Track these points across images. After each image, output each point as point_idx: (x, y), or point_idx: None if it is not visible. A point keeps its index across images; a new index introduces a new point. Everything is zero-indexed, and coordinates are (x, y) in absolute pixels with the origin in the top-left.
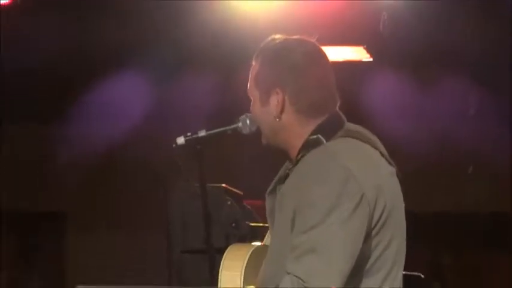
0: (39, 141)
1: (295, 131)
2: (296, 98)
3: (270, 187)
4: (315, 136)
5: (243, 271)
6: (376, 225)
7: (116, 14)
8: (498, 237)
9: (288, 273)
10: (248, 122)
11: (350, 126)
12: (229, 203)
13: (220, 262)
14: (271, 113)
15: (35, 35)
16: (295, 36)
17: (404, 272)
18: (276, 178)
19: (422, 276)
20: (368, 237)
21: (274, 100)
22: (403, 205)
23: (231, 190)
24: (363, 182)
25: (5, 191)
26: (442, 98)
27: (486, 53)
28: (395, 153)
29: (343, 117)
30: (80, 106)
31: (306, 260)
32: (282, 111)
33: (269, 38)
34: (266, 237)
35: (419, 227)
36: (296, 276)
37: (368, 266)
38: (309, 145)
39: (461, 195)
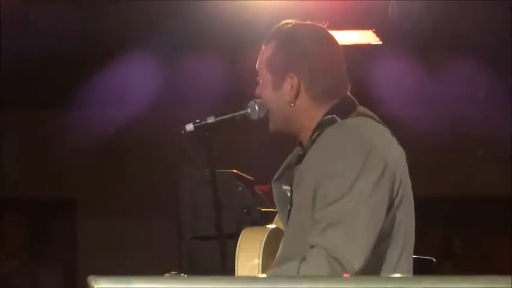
0: (47, 127)
1: (308, 114)
2: (310, 83)
3: (277, 174)
4: (329, 116)
5: (261, 252)
6: (396, 197)
7: (121, 1)
8: (508, 220)
9: (313, 246)
10: (257, 107)
11: (363, 108)
12: (240, 188)
13: (231, 248)
14: (284, 98)
15: (41, 20)
16: (306, 22)
17: (416, 256)
18: (284, 164)
19: (434, 260)
20: (390, 209)
21: (288, 85)
22: (411, 188)
23: (242, 176)
24: (384, 155)
25: (13, 178)
26: (451, 82)
27: (495, 36)
28: (405, 137)
29: (355, 100)
30: (87, 91)
31: (331, 232)
32: (296, 96)
33: (281, 23)
34: (275, 221)
35: (430, 211)
36: (323, 248)
37: (389, 238)
38: (324, 124)
39: (471, 179)
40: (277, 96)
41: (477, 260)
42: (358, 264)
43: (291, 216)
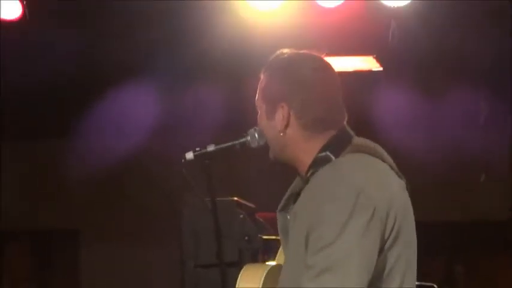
0: (48, 156)
1: (301, 146)
2: (301, 112)
3: (281, 204)
4: (323, 153)
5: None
6: (388, 238)
7: (125, 28)
8: (510, 244)
9: None
10: (257, 135)
11: (358, 140)
12: (241, 216)
13: (232, 276)
14: (276, 127)
15: (44, 50)
16: (303, 51)
17: (418, 283)
18: (287, 194)
19: (435, 286)
20: (381, 251)
21: (280, 114)
22: (413, 218)
23: (243, 203)
24: (374, 196)
25: (16, 208)
26: (452, 107)
27: (494, 62)
28: (406, 163)
29: (351, 132)
30: (89, 120)
31: (322, 279)
32: (287, 125)
33: (278, 52)
34: (279, 252)
35: (432, 237)
36: None
37: (383, 278)
38: (318, 163)
39: (474, 204)
40: (271, 126)
41: (479, 284)
42: None
43: (285, 258)
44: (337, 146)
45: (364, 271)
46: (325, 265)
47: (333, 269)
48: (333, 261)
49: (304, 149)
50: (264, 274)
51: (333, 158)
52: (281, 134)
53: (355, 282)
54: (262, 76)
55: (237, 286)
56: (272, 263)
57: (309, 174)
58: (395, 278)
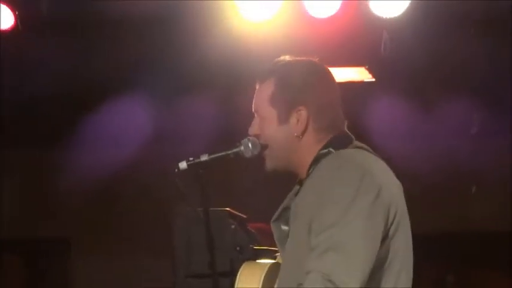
0: (41, 167)
1: (311, 148)
2: (317, 116)
3: (276, 215)
4: (325, 150)
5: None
6: (391, 226)
7: (116, 40)
8: (502, 256)
9: (309, 272)
10: (250, 145)
11: (358, 142)
12: (233, 226)
13: (224, 286)
14: (291, 131)
15: (35, 62)
16: (300, 58)
17: None
18: (282, 206)
19: None
20: (384, 238)
21: (295, 118)
22: (408, 221)
23: (235, 214)
24: (378, 178)
25: (8, 218)
26: (444, 118)
27: (487, 73)
28: (398, 173)
29: (352, 135)
30: (81, 132)
31: (328, 256)
32: (305, 129)
33: (276, 60)
34: (277, 259)
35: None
36: (320, 272)
37: (384, 267)
38: (319, 158)
39: (465, 215)
40: (283, 131)
41: None
42: (355, 286)
43: (286, 248)
44: (339, 143)
45: (368, 249)
46: (329, 244)
47: (336, 248)
48: (337, 240)
49: (312, 151)
50: (266, 270)
51: (334, 152)
52: (300, 137)
53: (359, 259)
54: (261, 84)
55: (237, 280)
56: (271, 260)
57: (310, 170)
58: (394, 269)
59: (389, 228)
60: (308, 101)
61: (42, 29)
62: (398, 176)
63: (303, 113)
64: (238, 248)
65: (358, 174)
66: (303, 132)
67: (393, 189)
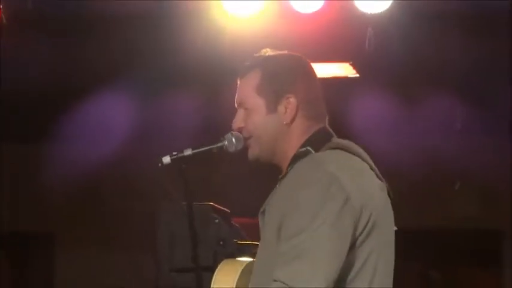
0: (25, 161)
1: (299, 138)
2: (306, 104)
3: (263, 207)
4: (304, 148)
5: (235, 285)
6: (361, 234)
7: (100, 34)
8: (486, 252)
9: (275, 281)
10: (234, 140)
11: (338, 139)
12: (216, 221)
13: (207, 280)
14: (280, 119)
15: (20, 56)
16: (283, 51)
17: None
18: (269, 198)
19: None
20: (352, 247)
21: (283, 107)
22: (392, 220)
23: (218, 208)
24: (347, 187)
25: None
26: (428, 114)
27: (471, 68)
28: (381, 170)
29: (331, 130)
30: (65, 126)
31: (292, 266)
32: (295, 116)
33: (261, 51)
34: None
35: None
36: (283, 282)
37: (352, 274)
38: (298, 157)
39: (449, 211)
40: (272, 119)
41: None
42: None
43: (258, 249)
44: (318, 141)
45: (334, 258)
46: (296, 253)
47: (302, 257)
48: (303, 249)
49: (297, 141)
50: (241, 268)
51: (313, 152)
52: (287, 126)
53: (325, 268)
54: (245, 76)
55: (213, 278)
56: (249, 258)
57: (288, 169)
58: (365, 276)
59: (362, 232)
60: (296, 89)
61: (26, 24)
62: (382, 172)
63: (292, 100)
64: (221, 243)
65: (327, 181)
66: (292, 120)
67: (368, 193)
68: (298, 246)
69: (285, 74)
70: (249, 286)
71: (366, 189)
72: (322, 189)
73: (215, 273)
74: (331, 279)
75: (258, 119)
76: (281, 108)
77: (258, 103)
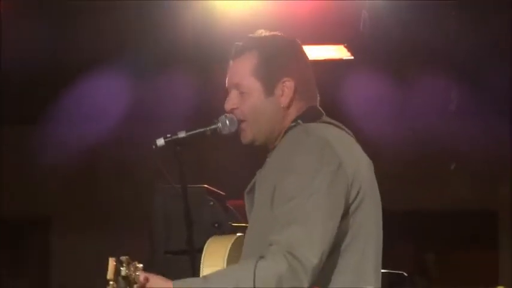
0: (21, 144)
1: (290, 119)
2: (302, 87)
3: (249, 186)
4: (294, 123)
5: (226, 258)
6: (353, 202)
7: (94, 17)
8: (480, 233)
9: (271, 245)
10: (227, 122)
11: (328, 118)
12: (211, 203)
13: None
14: (278, 102)
15: (13, 37)
16: (276, 33)
17: (387, 270)
18: (254, 178)
19: (406, 274)
20: (345, 215)
21: (280, 90)
22: (379, 200)
23: (213, 190)
24: (339, 153)
25: None
26: (422, 95)
27: (466, 50)
28: (376, 151)
29: (322, 110)
30: (60, 109)
31: (288, 229)
32: (293, 98)
33: (256, 32)
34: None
35: (402, 225)
36: (281, 245)
37: (345, 243)
38: (287, 130)
39: (444, 193)
40: (270, 102)
41: (450, 273)
42: (316, 259)
43: (251, 215)
44: (309, 117)
45: (329, 222)
46: (291, 216)
47: (297, 220)
48: (298, 213)
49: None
50: (232, 242)
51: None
52: (285, 109)
53: (320, 232)
54: (240, 57)
55: (203, 252)
56: (239, 234)
57: (277, 142)
58: (357, 245)
59: (351, 204)
60: (292, 72)
61: (20, 6)
62: (378, 154)
63: (289, 83)
64: (216, 225)
65: (320, 145)
66: (290, 103)
67: (358, 165)
68: (294, 210)
69: (282, 57)
70: (242, 256)
71: (356, 160)
72: (316, 154)
73: (205, 246)
74: (328, 242)
75: (255, 103)
76: (278, 91)
77: (254, 86)
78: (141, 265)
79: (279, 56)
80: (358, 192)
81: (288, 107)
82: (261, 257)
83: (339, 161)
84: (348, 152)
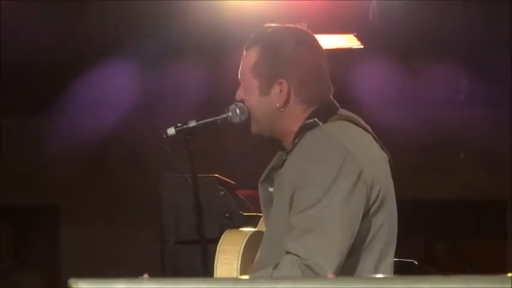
0: (29, 133)
1: (295, 119)
2: (300, 88)
3: (263, 176)
4: (311, 120)
5: (240, 255)
6: (373, 205)
7: (104, 6)
8: (490, 223)
9: (288, 253)
10: (238, 111)
11: (344, 111)
12: (222, 193)
13: (213, 252)
14: (273, 103)
15: (23, 27)
16: (288, 25)
17: (398, 259)
18: (269, 167)
19: (416, 262)
20: (365, 216)
21: (277, 90)
22: (393, 192)
23: (224, 180)
24: (360, 160)
25: None
26: (432, 84)
27: (476, 39)
28: (387, 141)
29: (337, 103)
30: (69, 98)
31: (305, 238)
32: (287, 101)
33: (263, 27)
34: (259, 223)
35: (413, 214)
36: (296, 255)
37: (365, 245)
38: (305, 128)
39: (454, 182)
40: (265, 102)
41: (461, 262)
42: (331, 270)
43: (269, 219)
44: (324, 113)
45: (346, 233)
46: (307, 225)
47: (314, 230)
48: (315, 222)
49: (296, 120)
50: (247, 237)
51: (320, 123)
52: (281, 110)
53: (337, 241)
54: (247, 51)
55: (218, 248)
56: (253, 229)
57: (296, 141)
58: (376, 245)
59: (371, 206)
60: (291, 73)
61: None
62: (388, 143)
63: (284, 85)
64: (227, 215)
65: (341, 154)
66: (285, 104)
67: (377, 166)
68: (311, 219)
69: (282, 56)
70: (258, 254)
71: (375, 162)
72: (336, 164)
73: (220, 242)
74: (344, 252)
75: (252, 100)
76: (274, 91)
77: (252, 84)
78: None
79: (278, 55)
80: (378, 194)
81: (283, 107)
82: (276, 266)
83: (359, 170)
84: (366, 156)
